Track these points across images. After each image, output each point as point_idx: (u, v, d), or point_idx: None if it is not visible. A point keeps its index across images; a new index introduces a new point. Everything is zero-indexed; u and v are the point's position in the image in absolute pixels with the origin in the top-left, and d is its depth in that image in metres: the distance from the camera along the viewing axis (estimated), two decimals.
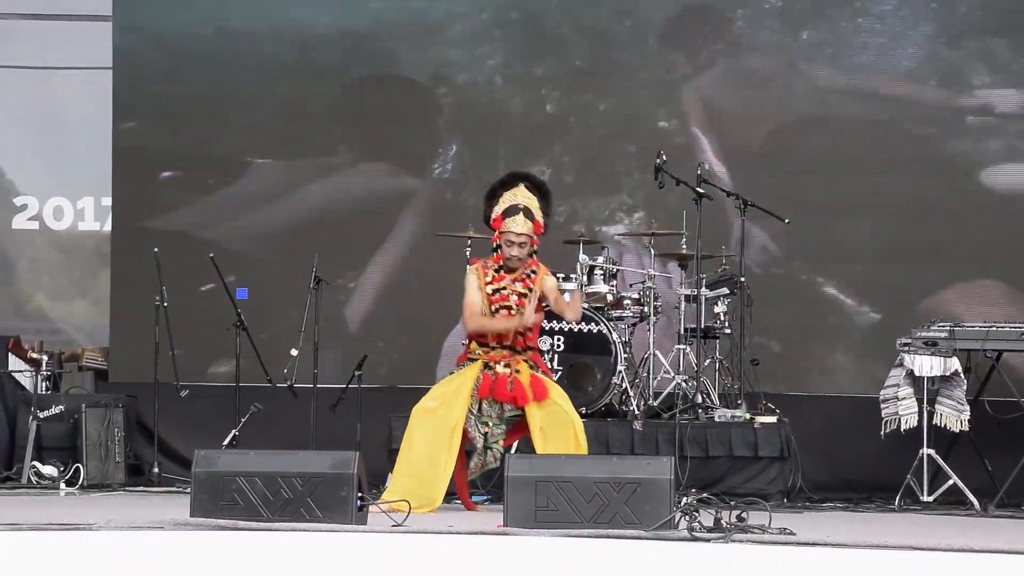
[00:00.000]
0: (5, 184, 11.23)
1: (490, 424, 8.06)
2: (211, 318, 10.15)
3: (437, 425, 7.95)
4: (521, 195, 8.13)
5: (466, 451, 8.11)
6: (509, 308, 8.08)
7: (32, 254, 11.28)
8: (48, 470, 9.40)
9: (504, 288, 8.12)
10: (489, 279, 8.13)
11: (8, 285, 11.18)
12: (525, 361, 8.09)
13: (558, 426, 7.98)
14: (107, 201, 11.01)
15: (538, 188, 8.20)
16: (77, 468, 9.41)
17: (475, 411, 8.04)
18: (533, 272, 8.14)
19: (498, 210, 8.11)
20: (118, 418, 9.61)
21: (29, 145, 11.16)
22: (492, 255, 8.19)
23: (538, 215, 8.13)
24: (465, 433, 8.03)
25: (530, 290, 8.07)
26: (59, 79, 11.16)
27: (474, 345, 8.16)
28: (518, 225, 8.06)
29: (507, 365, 8.05)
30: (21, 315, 11.20)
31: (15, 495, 9.05)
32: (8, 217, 11.14)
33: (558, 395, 8.10)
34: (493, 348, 8.10)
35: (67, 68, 11.12)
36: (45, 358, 10.01)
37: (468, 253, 9.55)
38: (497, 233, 8.13)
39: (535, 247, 8.15)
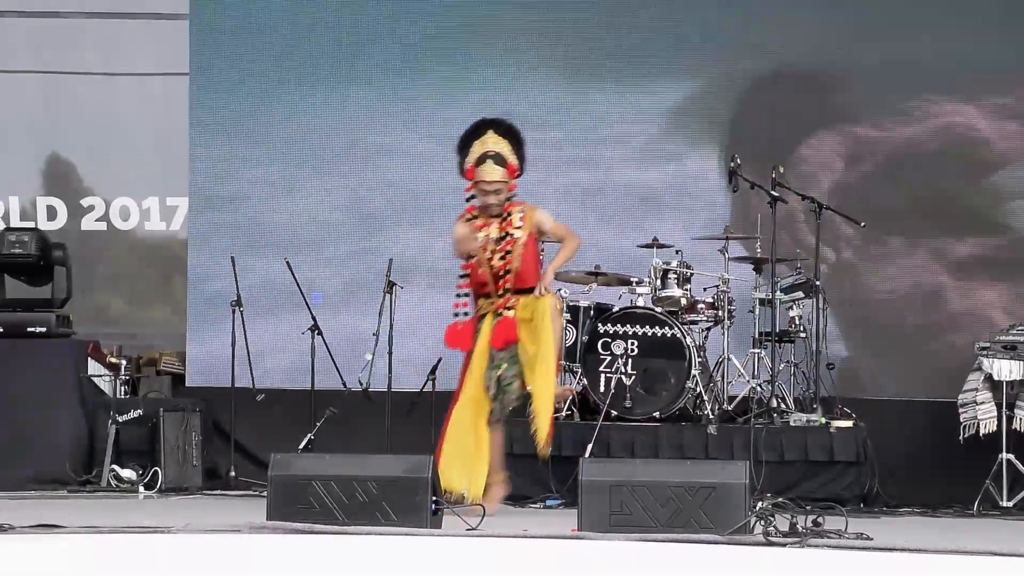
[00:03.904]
0: (83, 189, 11.29)
1: (502, 367, 8.21)
2: (286, 322, 10.21)
3: (471, 414, 8.17)
4: (491, 142, 8.30)
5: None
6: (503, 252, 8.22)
7: (112, 256, 11.34)
8: (127, 473, 9.48)
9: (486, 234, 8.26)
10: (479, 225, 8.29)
11: (88, 291, 11.24)
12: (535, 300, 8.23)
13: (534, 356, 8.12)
14: (172, 201, 11.02)
15: (507, 132, 8.34)
16: (155, 472, 9.47)
17: (490, 364, 8.19)
18: (511, 215, 8.27)
19: (470, 161, 8.32)
20: (195, 422, 9.68)
21: (93, 145, 11.19)
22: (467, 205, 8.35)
23: (511, 158, 8.29)
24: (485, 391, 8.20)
25: (509, 233, 8.21)
26: (124, 80, 11.18)
27: (481, 301, 8.30)
28: (488, 173, 8.23)
29: (510, 308, 8.22)
30: (101, 320, 11.27)
31: (94, 498, 9.16)
32: (77, 219, 11.18)
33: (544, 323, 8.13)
34: (499, 295, 8.24)
35: (142, 74, 11.16)
36: (123, 363, 10.08)
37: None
38: (472, 183, 8.28)
39: (512, 191, 8.31)
